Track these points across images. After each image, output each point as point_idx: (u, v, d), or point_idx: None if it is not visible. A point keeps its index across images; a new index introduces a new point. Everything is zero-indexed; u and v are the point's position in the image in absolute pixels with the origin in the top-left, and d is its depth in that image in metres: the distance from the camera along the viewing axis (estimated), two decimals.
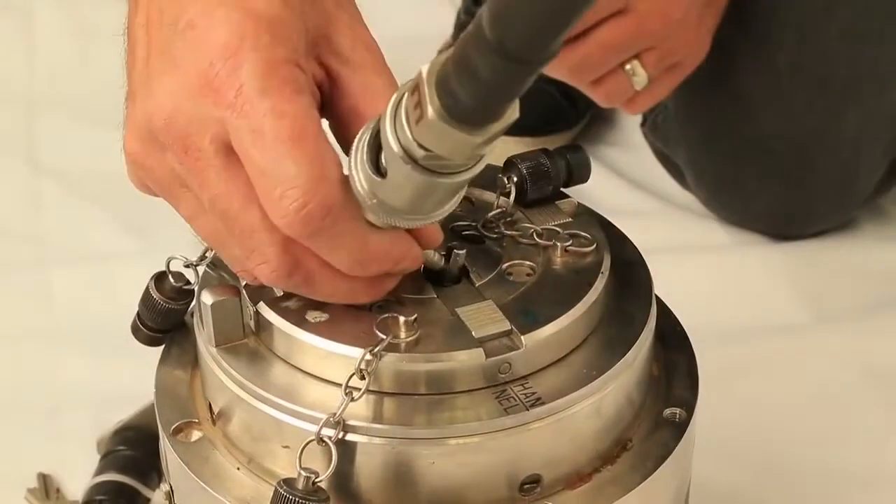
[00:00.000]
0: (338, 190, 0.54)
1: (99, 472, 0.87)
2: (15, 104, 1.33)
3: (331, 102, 0.58)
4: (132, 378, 0.90)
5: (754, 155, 1.09)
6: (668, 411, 0.64)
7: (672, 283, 0.71)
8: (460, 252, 0.61)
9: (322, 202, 0.53)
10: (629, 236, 0.69)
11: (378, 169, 0.53)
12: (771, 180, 1.10)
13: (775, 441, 0.94)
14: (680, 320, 0.69)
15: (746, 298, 1.09)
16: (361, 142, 0.53)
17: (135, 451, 0.87)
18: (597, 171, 0.69)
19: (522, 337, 0.58)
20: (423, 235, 0.59)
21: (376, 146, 0.53)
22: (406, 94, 0.50)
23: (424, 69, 0.48)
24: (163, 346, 0.68)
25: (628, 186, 1.21)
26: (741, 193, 1.12)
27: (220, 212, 0.56)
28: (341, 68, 0.58)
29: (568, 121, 1.25)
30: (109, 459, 0.87)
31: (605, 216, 0.69)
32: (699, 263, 1.11)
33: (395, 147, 0.50)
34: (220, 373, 0.61)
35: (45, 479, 0.90)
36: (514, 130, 1.23)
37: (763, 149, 1.09)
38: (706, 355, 0.68)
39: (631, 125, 1.27)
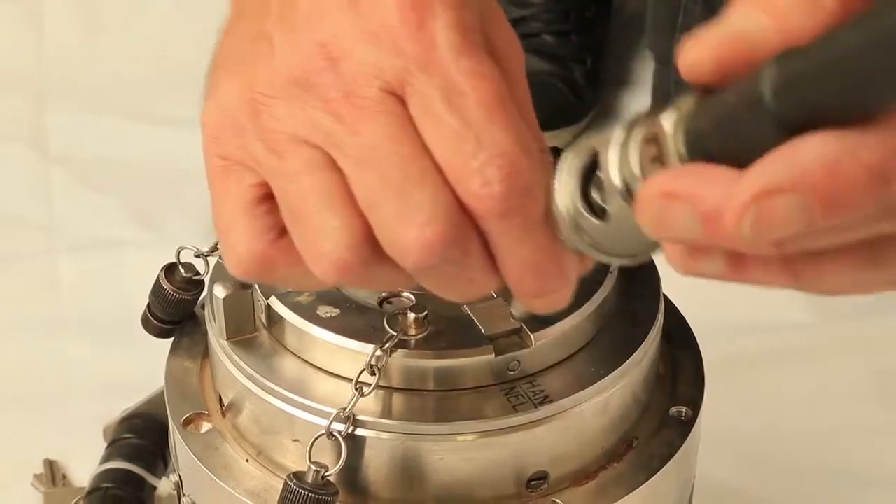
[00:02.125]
0: (540, 170, 0.48)
1: (105, 459, 0.87)
2: (24, 92, 1.33)
3: None
4: (139, 366, 0.91)
5: None
6: (674, 409, 0.64)
7: (676, 280, 0.71)
8: None
9: (529, 177, 0.47)
10: None
11: (591, 205, 0.47)
12: None
13: (778, 438, 0.94)
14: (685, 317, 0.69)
15: (750, 296, 1.07)
16: (564, 171, 0.48)
17: (141, 440, 0.88)
18: None
19: (532, 335, 0.59)
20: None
21: (586, 179, 0.47)
22: (633, 137, 0.45)
23: (666, 122, 0.43)
24: (172, 337, 0.68)
25: None
26: None
27: (381, 160, 0.47)
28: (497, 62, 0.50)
29: (575, 114, 1.25)
30: (116, 447, 0.87)
31: None
32: None
33: (619, 185, 0.45)
34: (230, 366, 0.61)
35: (51, 466, 0.91)
36: None
37: None
38: (709, 352, 0.68)
39: None
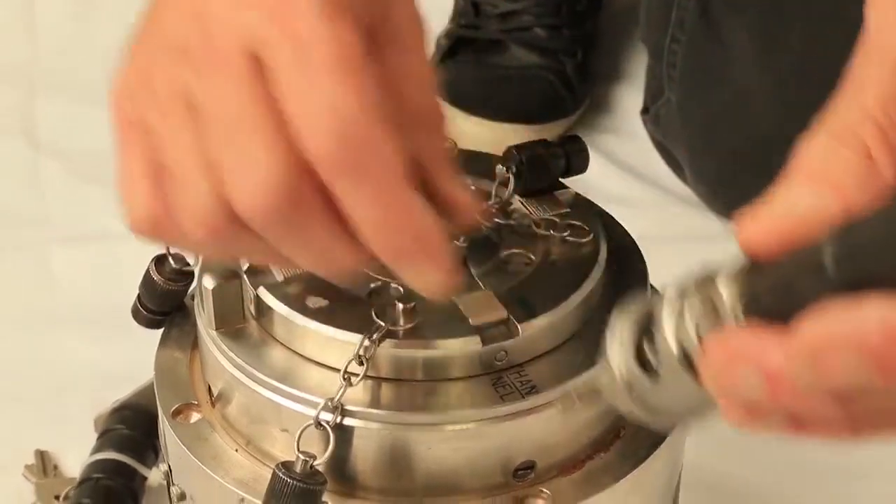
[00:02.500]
0: (383, 133, 0.49)
1: (96, 450, 0.87)
2: (15, 83, 1.33)
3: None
4: (130, 357, 0.91)
5: (754, 154, 1.10)
6: None
7: (666, 274, 0.71)
8: (461, 245, 0.62)
9: (364, 135, 0.49)
10: (624, 225, 0.69)
11: (644, 367, 0.49)
12: (770, 180, 1.10)
13: None
14: None
15: None
16: (618, 337, 0.50)
17: (132, 430, 0.88)
18: (594, 158, 0.70)
19: (519, 325, 0.59)
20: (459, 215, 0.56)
21: (639, 341, 0.49)
22: (690, 304, 0.46)
23: (724, 291, 0.46)
24: (163, 328, 0.68)
25: (625, 175, 1.21)
26: (739, 192, 1.12)
27: (225, 116, 0.50)
28: (389, 40, 0.54)
29: (566, 108, 1.26)
30: (107, 438, 0.88)
31: (601, 204, 0.69)
32: (694, 254, 1.10)
33: (677, 352, 0.47)
34: (219, 356, 0.62)
35: (42, 456, 0.91)
36: (512, 117, 1.25)
37: (763, 148, 1.09)
38: None
39: (629, 113, 1.27)
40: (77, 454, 0.90)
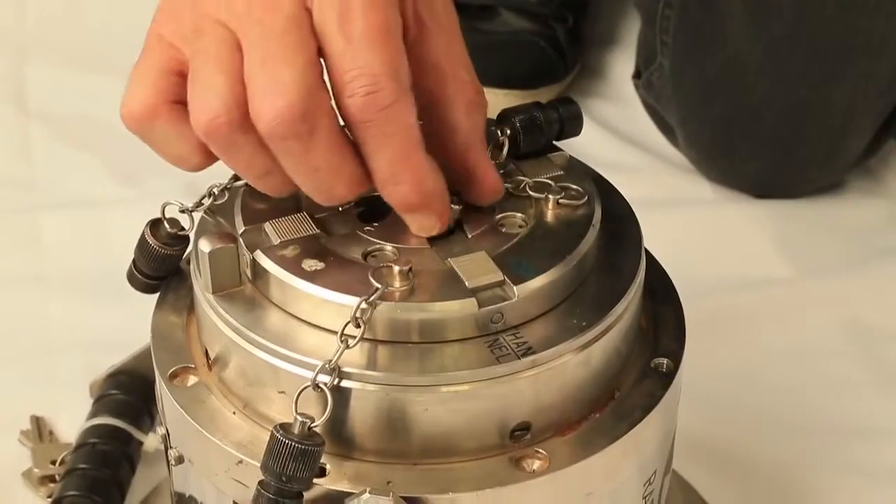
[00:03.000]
0: (407, 95, 0.57)
1: (92, 415, 0.88)
2: (4, 50, 1.33)
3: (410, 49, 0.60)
4: (124, 323, 0.91)
5: (746, 121, 1.10)
6: (655, 361, 0.65)
7: (658, 237, 0.72)
8: (455, 207, 0.62)
9: (389, 97, 0.57)
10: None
11: None
12: (761, 146, 1.11)
13: (758, 392, 0.95)
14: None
15: (731, 253, 1.10)
16: None
17: (128, 395, 0.88)
18: (586, 123, 0.70)
19: (514, 287, 0.59)
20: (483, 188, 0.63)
21: None
22: None
23: None
24: (158, 293, 0.69)
25: (617, 140, 1.21)
26: (731, 157, 1.13)
27: (269, 42, 0.57)
28: (430, 22, 0.61)
29: (557, 73, 1.26)
30: (102, 403, 0.88)
31: (595, 169, 0.70)
32: (685, 218, 1.12)
33: None
34: (216, 319, 0.62)
35: (38, 422, 0.91)
36: (504, 83, 1.25)
37: (755, 115, 1.10)
38: (691, 306, 0.69)
39: (621, 78, 1.27)
40: (71, 419, 0.90)
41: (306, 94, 0.56)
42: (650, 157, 1.20)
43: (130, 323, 0.79)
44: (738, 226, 1.12)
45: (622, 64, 1.28)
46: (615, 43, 1.32)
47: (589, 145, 1.16)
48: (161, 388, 0.65)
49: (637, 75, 1.21)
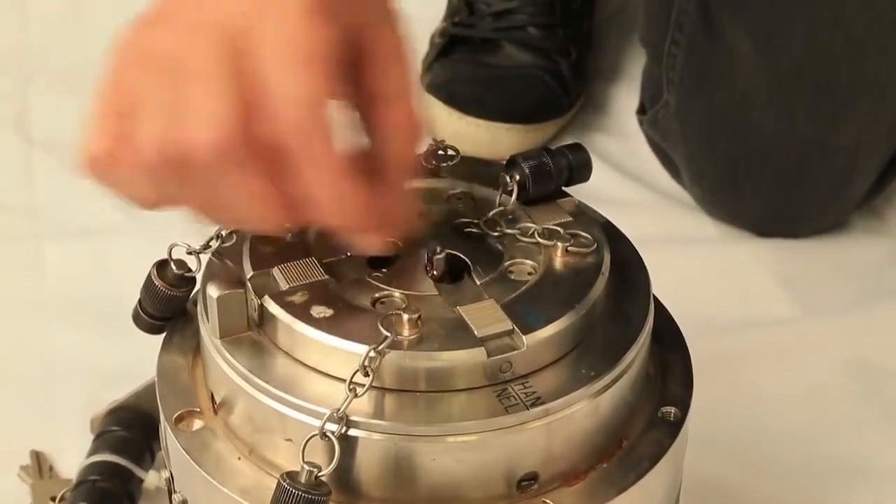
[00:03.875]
0: (330, 123, 0.57)
1: (93, 451, 0.87)
2: (7, 75, 1.33)
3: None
4: (126, 357, 0.91)
5: (752, 158, 1.10)
6: (663, 409, 0.65)
7: (660, 275, 0.71)
8: (438, 257, 0.63)
9: (315, 126, 0.57)
10: (617, 223, 0.70)
11: None
12: (767, 185, 1.11)
13: (762, 433, 0.95)
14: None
15: (735, 292, 1.10)
16: None
17: (129, 432, 0.88)
18: None
19: (524, 337, 0.59)
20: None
21: None
22: None
23: None
24: (164, 333, 0.68)
25: (620, 176, 1.21)
26: (736, 196, 1.13)
27: (199, 66, 0.57)
28: (375, 46, 0.61)
29: (560, 107, 1.26)
30: (103, 439, 0.88)
31: (595, 206, 0.70)
32: (688, 256, 1.12)
33: None
34: (223, 364, 0.62)
35: (38, 457, 0.91)
36: (507, 117, 1.25)
37: (761, 153, 1.10)
38: (693, 346, 0.69)
39: (624, 113, 1.27)
40: (73, 455, 0.90)
41: (231, 125, 0.56)
42: (653, 194, 1.20)
43: (134, 355, 0.79)
44: (742, 265, 1.12)
45: (626, 98, 1.28)
46: (619, 77, 1.32)
47: (591, 181, 1.14)
48: (166, 431, 0.64)
49: (642, 111, 1.21)
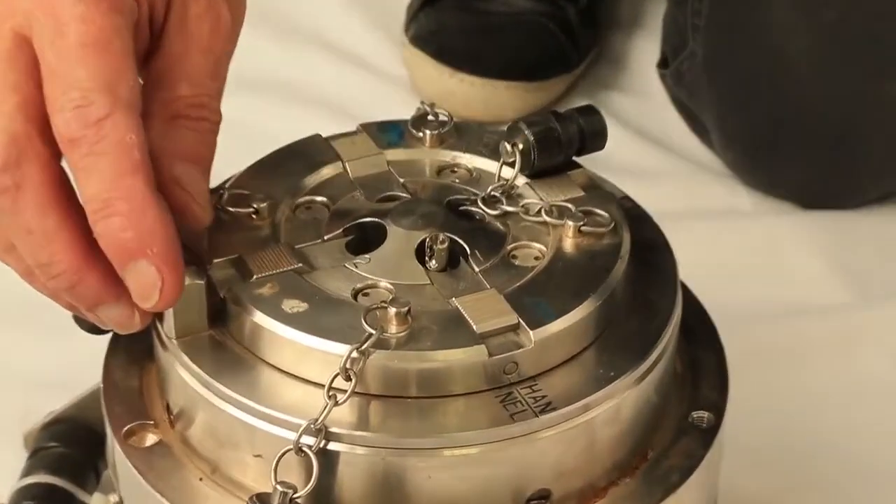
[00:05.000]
0: (125, 110, 0.59)
1: (27, 472, 0.87)
2: None
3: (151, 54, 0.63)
4: (65, 360, 0.91)
5: (793, 118, 1.11)
6: (694, 415, 0.66)
7: (688, 256, 0.72)
8: (441, 246, 0.63)
9: (101, 108, 0.58)
10: (637, 198, 0.70)
11: None
12: (810, 148, 1.12)
13: (810, 439, 0.95)
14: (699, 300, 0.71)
15: (776, 274, 1.10)
16: None
17: (68, 448, 0.88)
18: None
19: (531, 332, 0.60)
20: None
21: None
22: None
23: None
24: (110, 334, 0.69)
25: (639, 140, 1.21)
26: (775, 160, 1.13)
27: None
28: (172, 29, 0.63)
29: (568, 61, 1.26)
30: (39, 458, 0.88)
31: (610, 177, 0.70)
32: (720, 233, 1.13)
33: None
34: (180, 369, 0.62)
35: None
36: (504, 73, 1.25)
37: (803, 111, 1.10)
38: (727, 338, 0.70)
39: (643, 67, 1.27)
40: (2, 475, 0.90)
41: (9, 141, 0.59)
42: (678, 161, 1.20)
43: (73, 359, 0.80)
44: (783, 242, 1.12)
45: (645, 51, 1.29)
46: (637, 26, 1.32)
47: (606, 147, 1.16)
48: (114, 448, 0.65)
49: (663, 64, 1.21)
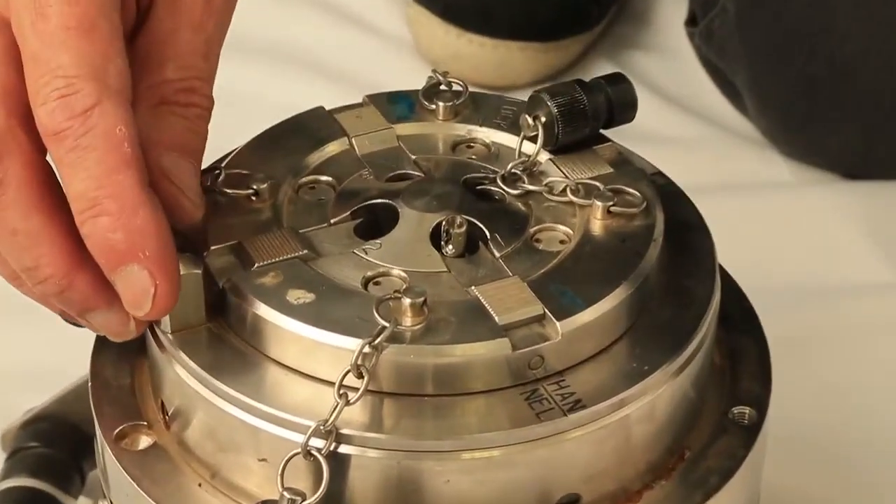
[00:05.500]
0: (114, 98, 0.58)
1: (5, 475, 0.88)
2: None
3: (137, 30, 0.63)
4: (45, 351, 0.92)
5: (835, 80, 1.11)
6: (734, 411, 0.66)
7: (721, 232, 0.71)
8: (458, 230, 0.64)
9: (87, 97, 0.58)
10: (663, 168, 0.71)
11: None
12: (854, 113, 1.12)
13: (859, 435, 0.95)
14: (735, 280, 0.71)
15: (816, 251, 1.10)
16: None
17: (51, 449, 0.88)
18: None
19: (558, 323, 0.60)
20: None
21: None
22: None
23: None
24: None
25: (664, 105, 1.21)
26: (814, 126, 1.13)
27: None
28: (160, 8, 0.63)
29: (587, 18, 1.25)
30: (18, 459, 0.88)
31: (634, 145, 0.71)
32: (756, 206, 1.13)
33: None
34: (176, 365, 0.62)
35: None
36: (517, 32, 1.25)
37: (846, 72, 1.10)
38: (766, 322, 0.70)
39: (669, 24, 1.27)
40: None
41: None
42: (709, 128, 1.20)
43: (55, 349, 0.80)
44: (825, 216, 1.12)
45: (671, 7, 1.28)
46: None
47: None
48: (104, 451, 0.65)
49: (692, 22, 1.21)
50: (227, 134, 0.71)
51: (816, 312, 1.04)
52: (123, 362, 0.67)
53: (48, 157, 0.60)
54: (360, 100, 0.72)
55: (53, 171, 0.60)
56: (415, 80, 0.73)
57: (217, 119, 0.65)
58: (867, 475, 0.94)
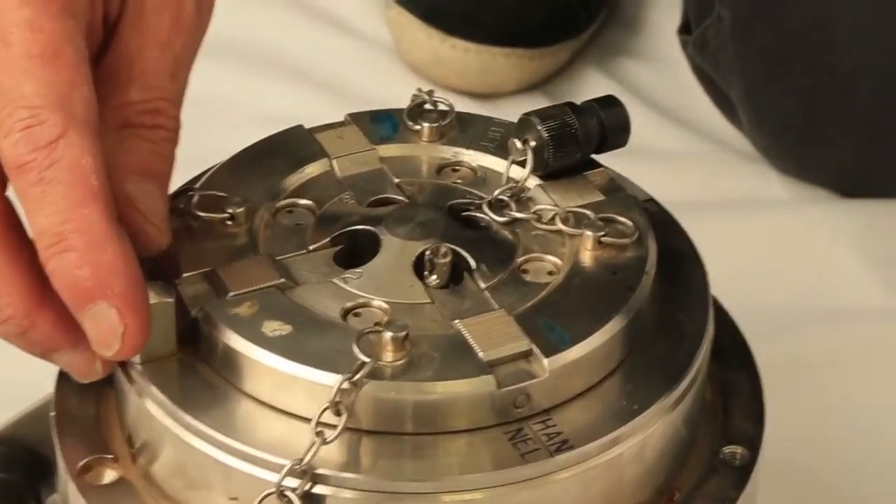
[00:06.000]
0: (80, 128, 0.58)
1: None
2: None
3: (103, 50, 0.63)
4: (5, 370, 0.91)
5: (834, 94, 1.11)
6: (725, 450, 0.66)
7: (712, 251, 0.72)
8: (443, 261, 0.64)
9: (53, 128, 0.58)
10: (651, 184, 0.71)
11: None
12: (852, 128, 1.12)
13: (859, 467, 0.95)
14: (723, 301, 0.71)
15: (811, 272, 1.10)
16: None
17: (6, 474, 0.88)
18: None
19: (545, 360, 0.60)
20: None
21: None
22: None
23: None
24: None
25: (655, 117, 1.22)
26: (811, 142, 1.14)
27: None
28: (124, 24, 0.63)
29: (575, 24, 1.26)
30: None
31: (623, 158, 0.70)
32: (749, 225, 1.13)
33: None
34: (145, 397, 0.62)
35: None
36: (503, 38, 1.25)
37: (845, 86, 1.11)
38: (757, 347, 0.70)
39: (661, 32, 1.27)
40: None
41: None
42: (701, 141, 1.20)
43: (14, 368, 0.79)
44: (820, 235, 1.12)
45: (664, 12, 1.29)
46: None
47: None
48: (67, 485, 0.65)
49: (685, 30, 1.21)
50: (200, 140, 0.71)
51: (811, 334, 1.04)
52: (89, 392, 0.67)
53: (9, 191, 0.60)
54: (337, 104, 0.72)
55: (13, 207, 0.60)
56: (395, 84, 0.73)
57: (190, 124, 0.65)
58: (860, 499, 0.94)
